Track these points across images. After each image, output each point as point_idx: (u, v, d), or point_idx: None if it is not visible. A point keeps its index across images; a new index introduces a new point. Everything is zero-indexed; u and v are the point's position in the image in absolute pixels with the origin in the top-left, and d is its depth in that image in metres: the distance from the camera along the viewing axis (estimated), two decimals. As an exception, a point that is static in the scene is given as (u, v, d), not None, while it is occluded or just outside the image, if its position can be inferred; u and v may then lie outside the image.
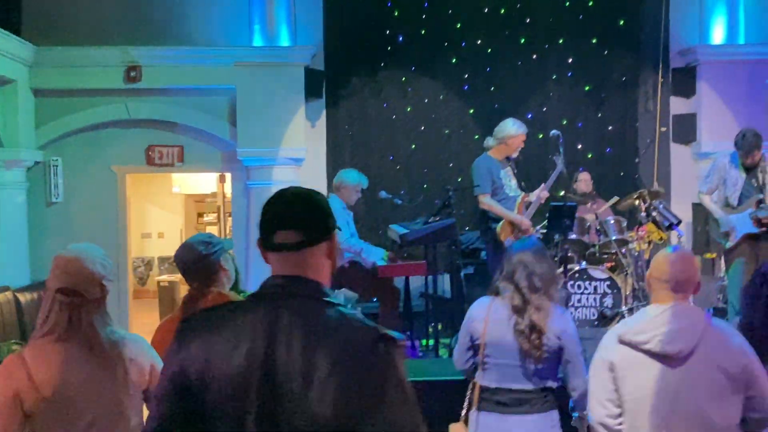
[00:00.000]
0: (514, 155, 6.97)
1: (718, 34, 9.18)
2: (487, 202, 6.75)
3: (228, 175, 9.82)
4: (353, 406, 1.73)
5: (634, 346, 3.03)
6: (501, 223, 6.74)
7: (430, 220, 6.72)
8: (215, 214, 12.86)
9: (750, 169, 6.54)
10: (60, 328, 2.69)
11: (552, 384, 3.79)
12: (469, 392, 3.94)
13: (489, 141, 7.03)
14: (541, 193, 6.89)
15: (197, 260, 3.40)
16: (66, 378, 2.64)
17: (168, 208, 13.68)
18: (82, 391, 2.66)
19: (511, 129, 6.84)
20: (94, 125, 9.12)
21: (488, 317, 3.83)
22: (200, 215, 13.77)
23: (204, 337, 1.83)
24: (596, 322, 7.22)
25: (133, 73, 8.85)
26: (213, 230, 11.87)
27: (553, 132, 7.13)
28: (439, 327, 7.08)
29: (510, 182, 6.90)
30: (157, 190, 13.20)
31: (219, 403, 1.78)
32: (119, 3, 9.11)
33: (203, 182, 12.95)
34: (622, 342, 3.07)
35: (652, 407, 3.00)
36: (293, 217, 1.92)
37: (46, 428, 2.64)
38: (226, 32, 9.12)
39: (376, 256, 6.84)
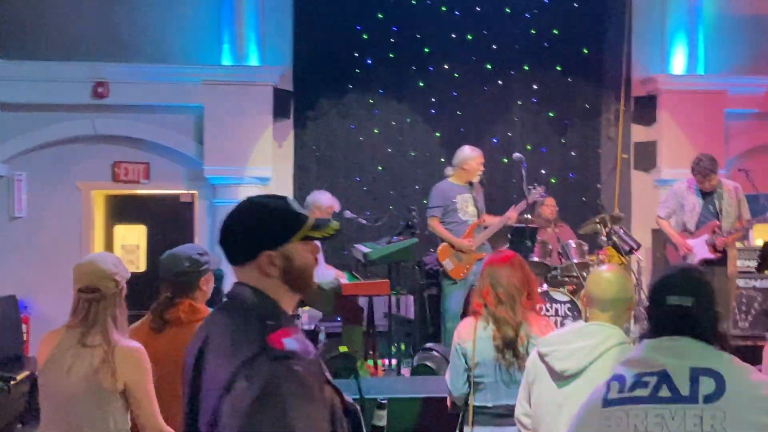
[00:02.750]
0: (475, 179, 7.10)
1: (678, 65, 9.42)
2: (433, 224, 6.98)
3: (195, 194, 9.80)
4: (226, 415, 1.75)
5: (541, 357, 3.13)
6: (441, 245, 6.91)
7: (393, 240, 6.78)
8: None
9: (707, 194, 6.70)
10: (77, 318, 3.15)
11: None
12: (461, 414, 3.92)
13: (448, 170, 7.26)
14: (509, 215, 7.03)
15: (179, 273, 3.41)
16: (53, 359, 3.12)
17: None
18: (59, 375, 3.09)
19: (467, 152, 7.06)
20: (60, 140, 9.07)
21: (475, 337, 3.85)
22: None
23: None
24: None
25: (100, 89, 8.85)
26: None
27: (516, 155, 7.27)
28: (402, 347, 7.12)
29: (467, 207, 7.04)
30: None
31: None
32: (88, 19, 9.10)
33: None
34: (539, 354, 3.17)
35: (542, 419, 3.12)
36: (221, 236, 1.98)
37: (40, 399, 3.18)
38: (195, 51, 9.15)
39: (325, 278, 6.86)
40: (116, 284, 3.21)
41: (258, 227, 1.93)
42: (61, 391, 3.11)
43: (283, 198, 2.02)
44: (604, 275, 3.13)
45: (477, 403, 3.84)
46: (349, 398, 2.00)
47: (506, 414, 3.71)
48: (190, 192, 9.36)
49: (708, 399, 1.99)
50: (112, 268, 3.21)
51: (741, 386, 2.02)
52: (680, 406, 2.01)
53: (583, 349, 2.99)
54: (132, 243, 9.55)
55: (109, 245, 9.36)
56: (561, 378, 3.03)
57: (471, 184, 7.11)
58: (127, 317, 3.29)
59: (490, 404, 3.80)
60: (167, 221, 9.44)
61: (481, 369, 3.80)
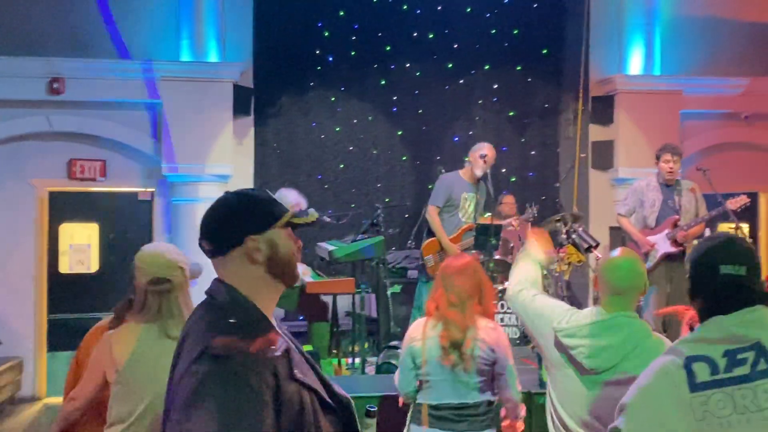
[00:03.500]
0: (479, 173, 7.11)
1: (635, 65, 9.57)
2: (432, 214, 6.96)
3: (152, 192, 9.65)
4: (172, 410, 1.80)
5: (563, 347, 3.14)
6: (430, 239, 6.90)
7: (358, 238, 6.77)
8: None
9: (667, 191, 6.82)
10: (150, 313, 3.08)
11: (492, 398, 3.87)
12: (410, 412, 3.97)
13: (466, 164, 7.28)
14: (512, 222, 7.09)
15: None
16: (138, 356, 3.03)
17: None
18: (149, 371, 2.99)
19: (476, 145, 7.08)
20: (13, 137, 8.84)
21: (425, 336, 3.89)
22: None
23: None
24: (518, 341, 7.36)
25: (56, 85, 8.65)
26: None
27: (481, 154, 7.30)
28: (366, 345, 7.11)
29: (468, 207, 7.06)
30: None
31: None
32: (44, 13, 8.90)
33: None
34: (556, 337, 3.17)
35: (565, 405, 3.14)
36: (203, 227, 1.98)
37: (118, 399, 3.06)
38: (153, 46, 9.00)
39: None
40: (183, 272, 3.18)
41: (243, 212, 1.96)
42: (154, 386, 2.95)
43: (264, 190, 2.08)
44: (619, 262, 3.14)
45: (421, 401, 3.92)
46: (341, 391, 1.98)
47: (451, 419, 3.80)
48: (148, 190, 9.22)
49: None
50: (177, 257, 3.19)
51: None
52: None
53: (612, 347, 3.00)
54: (82, 242, 9.32)
55: (53, 245, 9.08)
56: (589, 373, 3.05)
57: (478, 182, 7.13)
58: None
59: (434, 402, 3.86)
60: (123, 219, 9.25)
61: (429, 368, 3.87)
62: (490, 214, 7.59)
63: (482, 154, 7.06)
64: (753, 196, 9.87)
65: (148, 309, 3.09)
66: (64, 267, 9.09)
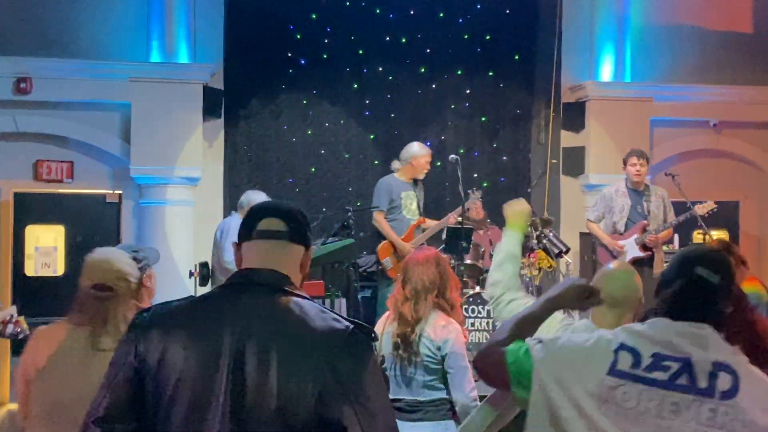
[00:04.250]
0: (421, 177, 7.13)
1: (606, 72, 9.63)
2: (378, 219, 6.95)
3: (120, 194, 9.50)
4: (335, 393, 1.77)
5: None
6: (383, 242, 6.91)
7: (328, 241, 6.72)
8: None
9: (636, 196, 6.87)
10: (84, 317, 2.98)
11: (445, 395, 3.82)
12: None
13: (395, 163, 7.21)
14: (448, 219, 7.06)
15: None
16: (56, 359, 2.90)
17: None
18: (62, 375, 2.87)
19: (416, 149, 7.08)
20: (-23, 137, 8.69)
21: (382, 331, 3.89)
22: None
23: (163, 328, 1.86)
24: (489, 346, 7.35)
25: (23, 85, 8.50)
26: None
27: (452, 157, 7.31)
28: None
29: (410, 205, 7.04)
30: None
31: (179, 393, 1.79)
32: (11, 12, 8.74)
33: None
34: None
35: None
36: (280, 209, 2.03)
37: (37, 405, 2.93)
38: (122, 47, 8.88)
39: None
40: (129, 285, 3.07)
41: (309, 224, 2.11)
42: (63, 396, 2.87)
43: None
44: (616, 274, 3.10)
45: None
46: None
47: (405, 410, 3.77)
48: (115, 192, 9.08)
49: (724, 395, 1.99)
50: (127, 268, 3.09)
51: (755, 387, 2.02)
52: (697, 397, 1.99)
53: None
54: (48, 245, 9.14)
55: (19, 247, 8.89)
56: None
57: (416, 182, 7.13)
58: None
59: (390, 396, 3.83)
60: (90, 222, 9.08)
61: (386, 363, 3.86)
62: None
63: (429, 160, 7.11)
64: (735, 205, 10.01)
65: (83, 312, 3.01)
66: (30, 270, 8.91)
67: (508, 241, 3.41)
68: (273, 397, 1.76)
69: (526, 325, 2.34)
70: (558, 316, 3.15)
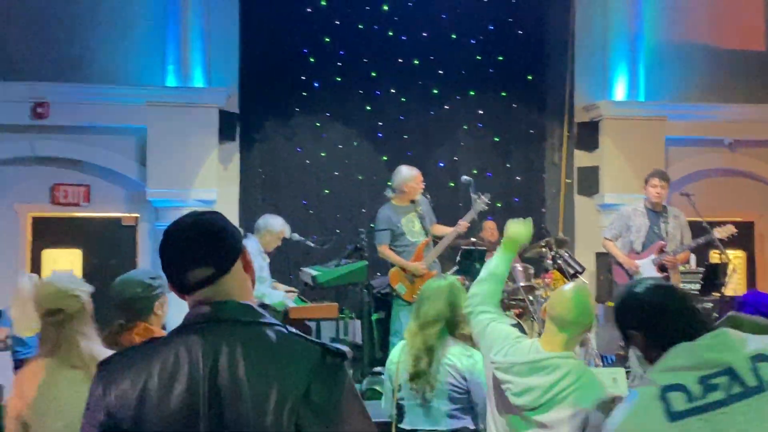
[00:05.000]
0: (417, 197, 7.10)
1: (620, 91, 9.63)
2: (383, 251, 6.93)
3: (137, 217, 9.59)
4: (312, 424, 1.72)
5: (497, 379, 3.15)
6: (393, 268, 6.87)
7: (342, 263, 6.73)
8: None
9: (653, 216, 6.84)
10: (49, 345, 3.01)
11: (469, 425, 3.79)
12: None
13: (388, 192, 7.22)
14: (459, 226, 7.02)
15: (131, 300, 3.29)
16: (42, 391, 2.94)
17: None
18: (55, 404, 2.91)
19: (405, 174, 7.07)
20: (-5, 162, 8.81)
21: (400, 360, 3.87)
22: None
23: (132, 376, 1.77)
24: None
25: (40, 110, 8.62)
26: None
27: (465, 178, 7.31)
28: (350, 372, 7.03)
29: (413, 228, 7.03)
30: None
31: None
32: (29, 38, 8.88)
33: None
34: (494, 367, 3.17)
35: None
36: (201, 254, 1.85)
37: None
38: (138, 71, 9.00)
39: (275, 299, 6.78)
40: (78, 299, 3.07)
41: (232, 226, 1.93)
42: (62, 419, 2.91)
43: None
44: (569, 295, 3.12)
45: (402, 426, 3.88)
46: None
47: None
48: (132, 215, 9.16)
49: None
50: (70, 285, 3.10)
51: None
52: (755, 397, 2.00)
53: (539, 387, 2.99)
54: (65, 268, 9.22)
55: (36, 271, 8.96)
56: (519, 408, 3.07)
57: (413, 202, 7.11)
58: (97, 333, 3.15)
59: (408, 427, 3.83)
60: (107, 245, 9.17)
61: (402, 392, 3.86)
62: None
63: (420, 179, 7.09)
64: (749, 225, 9.95)
65: (46, 342, 3.03)
66: None
67: (496, 261, 3.53)
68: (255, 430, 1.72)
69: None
70: (511, 334, 3.20)
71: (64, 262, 9.13)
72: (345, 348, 1.85)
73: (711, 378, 2.03)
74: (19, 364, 7.73)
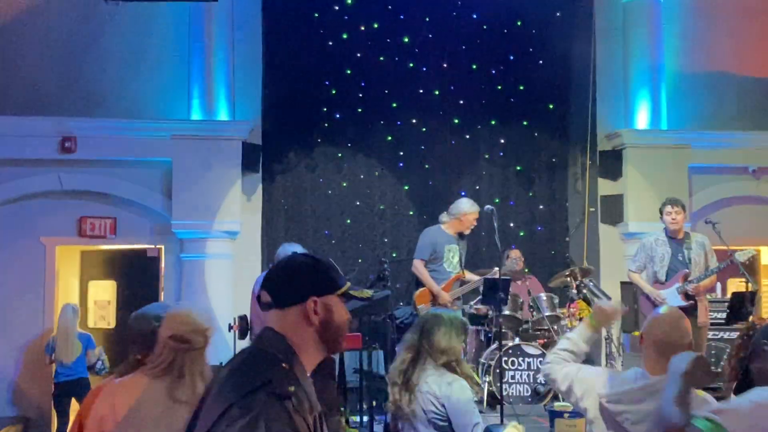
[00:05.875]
0: (467, 232, 7.19)
1: (642, 120, 9.62)
2: (418, 267, 6.98)
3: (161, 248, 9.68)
4: None
5: (607, 411, 3.09)
6: (421, 289, 6.91)
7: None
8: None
9: (676, 245, 6.80)
10: (161, 367, 3.01)
11: None
12: None
13: (443, 216, 7.28)
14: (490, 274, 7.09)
15: (148, 333, 3.27)
16: (138, 409, 2.93)
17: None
18: (154, 426, 2.90)
19: (466, 206, 7.17)
20: (25, 195, 8.94)
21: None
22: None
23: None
24: (529, 399, 7.26)
25: (68, 144, 8.77)
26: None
27: (487, 207, 7.31)
28: (373, 403, 7.00)
29: (452, 258, 7.09)
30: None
31: None
32: (56, 73, 9.08)
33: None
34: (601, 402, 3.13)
35: None
36: (268, 280, 2.09)
37: None
38: (164, 105, 9.15)
39: None
40: (206, 340, 3.10)
41: (310, 273, 2.08)
42: None
43: (328, 259, 2.21)
44: (664, 318, 3.12)
45: None
46: None
47: None
48: (156, 246, 9.25)
49: None
50: (205, 323, 3.12)
51: None
52: None
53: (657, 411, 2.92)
54: (104, 299, 9.43)
55: (82, 301, 9.20)
56: None
57: (461, 235, 7.18)
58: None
59: None
60: (135, 276, 9.31)
61: (397, 419, 4.00)
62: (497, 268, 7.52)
63: (477, 217, 7.15)
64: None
65: (161, 362, 3.03)
66: (90, 322, 9.30)
67: (577, 336, 3.49)
68: None
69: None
70: (605, 369, 3.20)
71: (104, 294, 9.42)
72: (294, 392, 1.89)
73: None
74: (60, 387, 8.07)
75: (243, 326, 7.40)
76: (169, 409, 2.91)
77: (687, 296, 6.61)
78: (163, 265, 9.31)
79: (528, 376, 7.24)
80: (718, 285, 8.25)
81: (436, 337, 3.88)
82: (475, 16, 9.71)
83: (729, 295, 8.09)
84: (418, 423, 3.81)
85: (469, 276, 7.36)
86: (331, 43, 9.48)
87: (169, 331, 3.07)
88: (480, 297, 7.41)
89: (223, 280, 8.89)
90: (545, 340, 7.69)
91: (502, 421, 6.06)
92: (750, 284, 6.70)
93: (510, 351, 7.20)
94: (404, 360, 3.90)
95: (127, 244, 9.27)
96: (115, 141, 8.84)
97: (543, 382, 7.15)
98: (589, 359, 8.72)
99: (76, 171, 8.95)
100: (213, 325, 3.17)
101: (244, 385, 1.87)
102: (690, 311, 6.57)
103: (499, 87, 9.74)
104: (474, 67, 9.69)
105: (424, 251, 7.07)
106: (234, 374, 1.94)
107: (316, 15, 9.46)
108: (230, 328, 7.27)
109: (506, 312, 7.52)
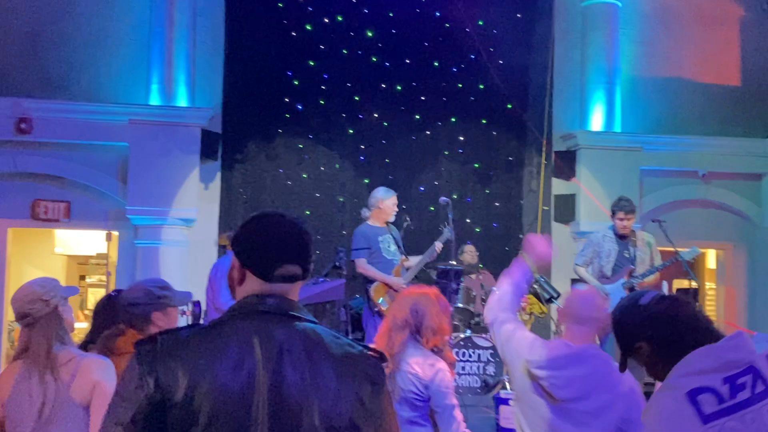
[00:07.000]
0: (392, 219, 7.18)
1: (597, 122, 9.81)
2: (362, 266, 6.98)
3: (115, 234, 9.59)
4: (360, 420, 1.83)
5: (532, 377, 3.25)
6: (375, 284, 6.93)
7: (319, 281, 6.77)
8: (98, 276, 12.46)
9: (623, 242, 6.95)
10: (20, 347, 3.08)
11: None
12: None
13: (365, 212, 7.28)
14: (434, 250, 7.09)
15: (130, 305, 3.32)
16: (13, 392, 3.01)
17: (48, 269, 13.13)
18: (24, 405, 2.98)
19: (381, 193, 7.15)
20: (-24, 176, 8.81)
21: None
22: (82, 278, 13.30)
23: (182, 357, 1.78)
24: (479, 390, 7.37)
25: (23, 125, 8.64)
26: (100, 292, 11.47)
27: (442, 199, 7.41)
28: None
29: (389, 247, 7.10)
30: (39, 250, 12.70)
31: (215, 424, 1.74)
32: (14, 53, 8.95)
33: (87, 243, 12.56)
34: (527, 368, 3.28)
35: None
36: (298, 252, 1.95)
37: None
38: (122, 89, 9.08)
39: None
40: (46, 304, 3.10)
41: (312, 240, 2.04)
42: (30, 419, 2.98)
43: None
44: (582, 293, 3.41)
45: None
46: None
47: None
48: (110, 232, 9.17)
49: None
50: (38, 290, 3.11)
51: None
52: None
53: (580, 378, 3.14)
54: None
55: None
56: (559, 402, 3.18)
57: (388, 224, 7.18)
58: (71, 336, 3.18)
59: None
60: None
61: None
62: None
63: (396, 202, 7.17)
64: (723, 254, 10.10)
65: (20, 344, 3.11)
66: None
67: (517, 273, 3.65)
68: (311, 424, 1.77)
69: None
70: (537, 338, 3.37)
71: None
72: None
73: (736, 378, 2.06)
74: None
75: (196, 312, 7.41)
76: (40, 380, 3.00)
77: (631, 291, 6.76)
78: (116, 250, 9.24)
79: (478, 367, 7.34)
80: (665, 284, 8.43)
81: (428, 320, 3.87)
82: (438, 14, 9.82)
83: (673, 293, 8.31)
84: (397, 403, 3.78)
85: (413, 259, 7.36)
86: (294, 34, 9.50)
87: (14, 313, 3.17)
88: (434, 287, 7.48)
89: (178, 268, 8.84)
90: (496, 334, 7.79)
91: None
92: (693, 281, 6.87)
93: (461, 343, 7.29)
94: (398, 339, 3.82)
95: (80, 229, 9.16)
96: (71, 124, 8.72)
97: (493, 374, 7.27)
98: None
99: (31, 153, 8.82)
100: (51, 290, 3.14)
101: (351, 350, 1.90)
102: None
103: (460, 85, 9.86)
104: (436, 64, 9.80)
105: (361, 250, 7.05)
106: (333, 341, 1.90)
107: (280, 5, 9.48)
108: (183, 313, 7.25)
109: (459, 304, 7.62)
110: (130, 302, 3.32)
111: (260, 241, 1.93)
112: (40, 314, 3.08)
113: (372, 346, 1.98)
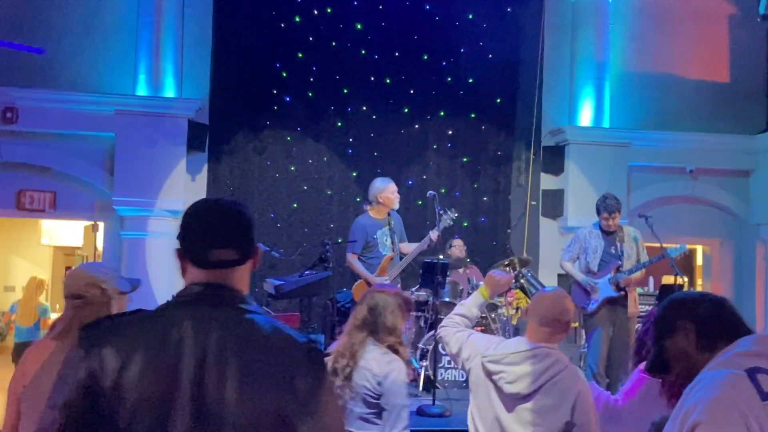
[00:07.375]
0: (396, 207, 7.18)
1: (585, 117, 9.82)
2: (349, 260, 6.99)
3: (101, 225, 9.55)
4: (290, 413, 1.76)
5: (486, 372, 3.32)
6: (357, 282, 6.92)
7: (305, 273, 6.76)
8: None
9: (609, 237, 6.95)
10: (60, 327, 3.02)
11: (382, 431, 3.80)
12: None
13: (366, 205, 7.27)
14: (431, 236, 7.07)
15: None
16: (44, 374, 2.85)
17: (34, 260, 13.08)
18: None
19: (378, 185, 7.15)
20: (-40, 165, 8.74)
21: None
22: (68, 268, 13.27)
23: (117, 343, 1.77)
24: (464, 384, 7.36)
25: (9, 114, 8.58)
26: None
27: (430, 192, 7.39)
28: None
29: (386, 242, 7.09)
30: (25, 241, 12.64)
31: (139, 411, 1.72)
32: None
33: (73, 234, 12.52)
34: (482, 364, 3.35)
35: (481, 427, 3.37)
36: (231, 235, 1.91)
37: (28, 413, 2.92)
38: (109, 79, 9.02)
39: None
40: (102, 292, 3.05)
41: (254, 222, 1.99)
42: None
43: None
44: (549, 294, 3.50)
45: None
46: None
47: None
48: (96, 222, 9.12)
49: None
50: (99, 276, 3.08)
51: None
52: None
53: (531, 374, 3.22)
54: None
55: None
56: (510, 397, 3.26)
57: (389, 214, 7.18)
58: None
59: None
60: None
61: None
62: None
63: (394, 189, 7.15)
64: (709, 250, 10.13)
65: (62, 322, 3.05)
66: None
67: (470, 304, 3.82)
68: (235, 414, 1.74)
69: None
70: (496, 338, 3.54)
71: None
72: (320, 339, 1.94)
73: None
74: (17, 346, 8.37)
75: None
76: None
77: (618, 287, 6.77)
78: (102, 242, 9.18)
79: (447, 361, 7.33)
80: (651, 280, 8.46)
81: (386, 317, 3.87)
82: (427, 8, 9.79)
83: (658, 290, 8.33)
84: (352, 398, 3.81)
85: (405, 249, 7.34)
86: (283, 26, 9.45)
87: (66, 290, 3.09)
88: (419, 281, 7.48)
89: (164, 259, 8.78)
90: (482, 328, 7.78)
91: (434, 402, 6.16)
92: (679, 278, 6.88)
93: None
94: (359, 338, 3.81)
95: (66, 219, 9.11)
96: (57, 113, 8.66)
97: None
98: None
99: (16, 142, 8.76)
100: (111, 279, 3.11)
101: (291, 340, 1.84)
102: (621, 302, 6.76)
103: (449, 79, 9.84)
104: (425, 57, 9.77)
105: (356, 245, 7.05)
106: (272, 332, 1.85)
107: (270, -4, 9.44)
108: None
109: (446, 299, 7.60)
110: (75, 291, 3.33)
111: (192, 227, 1.91)
112: (94, 300, 3.04)
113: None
